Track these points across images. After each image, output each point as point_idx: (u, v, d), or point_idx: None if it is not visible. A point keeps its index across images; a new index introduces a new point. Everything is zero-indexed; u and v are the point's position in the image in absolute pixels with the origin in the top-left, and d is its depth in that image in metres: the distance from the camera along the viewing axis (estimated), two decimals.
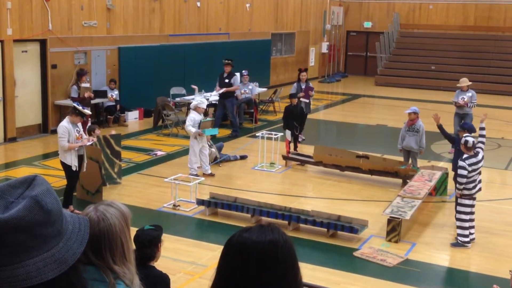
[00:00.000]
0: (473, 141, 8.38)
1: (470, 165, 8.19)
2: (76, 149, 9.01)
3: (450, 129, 14.24)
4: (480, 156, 8.37)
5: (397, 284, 7.26)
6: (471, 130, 9.22)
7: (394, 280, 7.36)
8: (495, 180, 12.16)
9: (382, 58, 27.85)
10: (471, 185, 8.27)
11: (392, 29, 28.55)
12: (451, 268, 7.90)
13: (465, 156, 8.29)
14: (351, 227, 8.47)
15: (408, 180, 10.56)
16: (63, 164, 9.10)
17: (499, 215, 9.84)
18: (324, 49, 28.47)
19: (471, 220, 8.45)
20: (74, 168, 9.03)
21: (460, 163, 8.24)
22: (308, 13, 26.91)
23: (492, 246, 8.53)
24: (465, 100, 13.43)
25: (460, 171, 8.23)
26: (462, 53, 26.46)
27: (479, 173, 8.44)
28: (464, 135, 8.72)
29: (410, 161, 11.30)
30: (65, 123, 8.96)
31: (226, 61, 15.26)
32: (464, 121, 13.56)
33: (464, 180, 8.19)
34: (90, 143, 9.45)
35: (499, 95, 23.81)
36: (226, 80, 15.12)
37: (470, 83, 13.71)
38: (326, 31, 28.68)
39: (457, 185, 8.39)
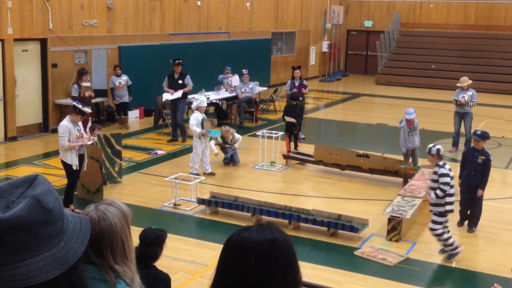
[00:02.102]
0: (441, 148, 7.86)
1: (450, 170, 7.70)
2: (77, 148, 9.02)
3: (450, 128, 14.26)
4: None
5: (397, 283, 7.26)
6: (488, 137, 9.03)
7: (395, 279, 7.37)
8: (496, 179, 12.14)
9: (383, 57, 27.84)
10: (452, 198, 7.69)
11: (392, 28, 28.53)
12: (451, 267, 7.89)
13: (441, 162, 7.72)
14: (352, 226, 8.47)
15: (408, 179, 10.57)
16: (63, 163, 9.10)
17: (499, 214, 9.84)
18: (325, 48, 28.46)
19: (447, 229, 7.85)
20: (75, 168, 9.04)
21: (442, 170, 7.60)
22: (309, 12, 26.90)
23: (493, 245, 8.53)
24: (466, 99, 13.42)
25: (443, 179, 7.57)
26: (463, 52, 26.45)
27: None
28: (434, 147, 7.91)
29: (410, 160, 11.30)
30: (65, 122, 8.97)
31: (177, 61, 14.18)
32: (464, 122, 13.57)
33: (448, 188, 7.58)
34: (90, 142, 9.45)
35: (499, 94, 23.80)
36: (180, 82, 14.12)
37: (471, 82, 13.69)
38: (327, 30, 28.67)
39: (437, 197, 7.61)
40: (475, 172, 8.78)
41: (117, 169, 10.82)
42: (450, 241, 7.75)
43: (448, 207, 7.68)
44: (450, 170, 7.72)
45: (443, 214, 7.71)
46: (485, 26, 27.48)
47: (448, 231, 7.84)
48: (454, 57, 26.28)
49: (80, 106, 9.15)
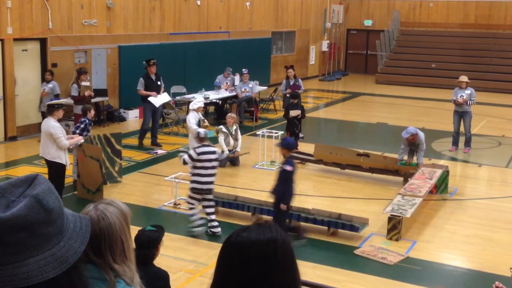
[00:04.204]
0: (205, 132, 8.69)
1: (200, 153, 8.24)
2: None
3: (450, 127, 14.26)
4: (213, 149, 8.44)
5: (397, 282, 7.27)
6: (291, 147, 8.48)
7: (395, 278, 7.37)
8: (496, 178, 12.17)
9: (383, 56, 27.83)
10: (203, 179, 8.32)
11: (392, 27, 28.53)
12: (451, 266, 7.90)
13: (200, 144, 8.48)
14: (352, 225, 8.48)
15: (409, 178, 10.56)
16: (56, 164, 8.86)
17: (499, 213, 9.84)
18: (325, 48, 28.45)
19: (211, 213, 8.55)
20: (69, 168, 8.96)
21: (191, 151, 8.42)
22: (309, 11, 26.90)
23: (493, 244, 8.53)
24: (464, 98, 13.41)
25: (183, 154, 8.44)
26: (463, 51, 26.45)
27: (213, 168, 8.39)
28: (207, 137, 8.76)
29: (415, 158, 11.26)
30: (56, 123, 8.76)
31: (152, 61, 13.35)
32: (464, 121, 13.55)
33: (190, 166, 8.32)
34: (82, 140, 9.56)
35: (499, 93, 23.80)
36: (159, 83, 13.61)
37: (469, 80, 13.67)
38: (327, 29, 28.66)
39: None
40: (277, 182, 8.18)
41: (117, 169, 10.83)
42: (195, 217, 8.43)
43: (195, 185, 8.31)
44: (202, 154, 8.24)
45: (194, 190, 8.36)
46: (485, 25, 27.47)
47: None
48: (454, 56, 26.29)
49: (53, 101, 9.14)
